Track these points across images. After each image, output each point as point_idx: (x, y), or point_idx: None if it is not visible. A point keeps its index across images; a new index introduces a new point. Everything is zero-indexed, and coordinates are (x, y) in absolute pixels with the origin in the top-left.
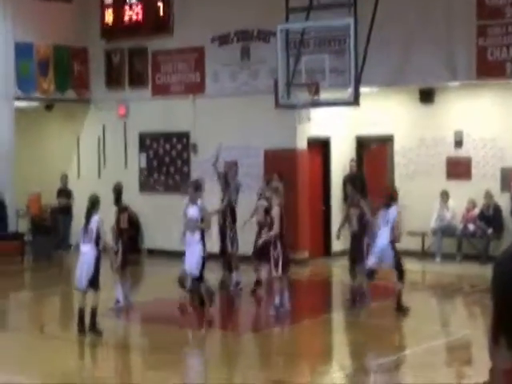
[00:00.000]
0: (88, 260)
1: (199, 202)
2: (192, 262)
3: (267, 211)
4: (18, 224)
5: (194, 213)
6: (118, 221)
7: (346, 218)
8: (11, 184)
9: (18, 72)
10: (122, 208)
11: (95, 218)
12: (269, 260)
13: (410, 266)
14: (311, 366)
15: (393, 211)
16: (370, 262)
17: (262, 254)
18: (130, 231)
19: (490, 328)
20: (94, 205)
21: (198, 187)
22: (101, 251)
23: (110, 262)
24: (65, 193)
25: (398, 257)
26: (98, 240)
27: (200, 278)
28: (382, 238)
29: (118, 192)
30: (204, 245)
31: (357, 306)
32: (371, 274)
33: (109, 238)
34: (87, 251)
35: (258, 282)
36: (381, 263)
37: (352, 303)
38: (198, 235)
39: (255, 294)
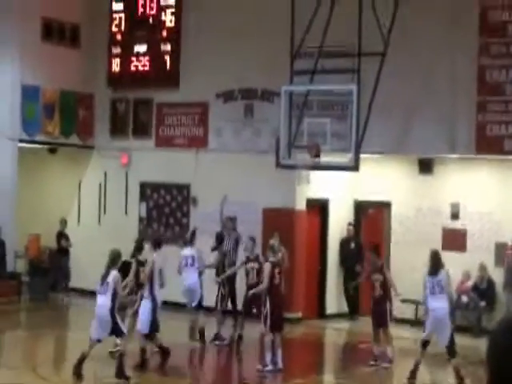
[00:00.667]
0: (104, 313)
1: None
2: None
3: (258, 273)
4: (16, 264)
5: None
6: (137, 274)
7: (366, 279)
8: (12, 224)
9: (23, 114)
10: (141, 262)
11: (113, 273)
12: (256, 316)
13: (403, 333)
14: None
15: (443, 278)
16: (425, 333)
17: (249, 309)
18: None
19: None
20: (114, 260)
21: (157, 244)
22: (115, 305)
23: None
24: (64, 236)
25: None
26: (114, 294)
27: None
28: (438, 308)
29: (139, 245)
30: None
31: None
32: (450, 350)
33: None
34: (103, 303)
35: (240, 337)
36: (436, 335)
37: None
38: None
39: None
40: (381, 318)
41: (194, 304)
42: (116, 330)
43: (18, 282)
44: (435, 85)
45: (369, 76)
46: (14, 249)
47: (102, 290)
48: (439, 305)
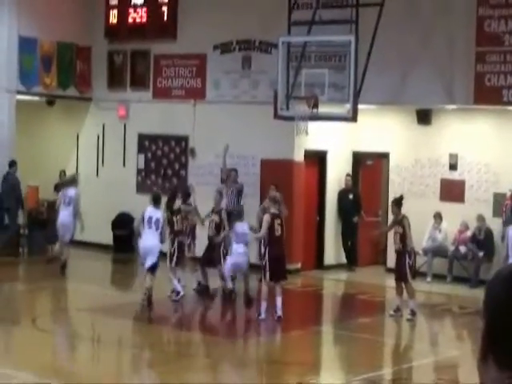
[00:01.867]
0: (154, 247)
1: None
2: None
3: (217, 226)
4: None
5: None
6: (171, 222)
7: (390, 229)
8: None
9: (21, 66)
10: (176, 210)
11: (159, 214)
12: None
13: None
14: (295, 377)
15: None
16: None
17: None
18: (183, 233)
19: (479, 347)
20: (156, 201)
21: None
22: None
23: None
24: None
25: None
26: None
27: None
28: None
29: (172, 194)
30: None
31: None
32: None
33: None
34: (152, 240)
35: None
36: None
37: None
38: None
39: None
40: (400, 272)
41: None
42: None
43: (16, 235)
44: (433, 35)
45: (367, 27)
46: None
47: (150, 228)
48: None
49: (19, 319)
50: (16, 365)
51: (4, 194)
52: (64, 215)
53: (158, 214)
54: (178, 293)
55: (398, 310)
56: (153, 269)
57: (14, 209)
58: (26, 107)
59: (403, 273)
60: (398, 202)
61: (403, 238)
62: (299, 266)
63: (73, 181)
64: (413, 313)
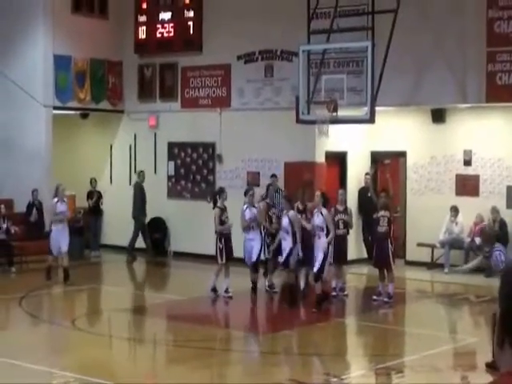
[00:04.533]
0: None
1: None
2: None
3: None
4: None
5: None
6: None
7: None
8: (48, 186)
9: (56, 83)
10: (222, 208)
11: (255, 211)
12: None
13: (420, 275)
14: (322, 366)
15: None
16: None
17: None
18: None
19: (496, 333)
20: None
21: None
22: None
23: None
24: (93, 194)
25: None
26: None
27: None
28: None
29: (216, 193)
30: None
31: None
32: None
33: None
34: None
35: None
36: None
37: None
38: None
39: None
40: (385, 258)
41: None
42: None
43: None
44: (446, 38)
45: (382, 32)
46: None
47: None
48: None
49: (60, 320)
50: (58, 364)
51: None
52: None
53: (254, 210)
54: (215, 290)
55: (383, 294)
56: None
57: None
58: (61, 121)
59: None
60: (386, 190)
61: (390, 222)
62: None
63: None
64: (390, 297)
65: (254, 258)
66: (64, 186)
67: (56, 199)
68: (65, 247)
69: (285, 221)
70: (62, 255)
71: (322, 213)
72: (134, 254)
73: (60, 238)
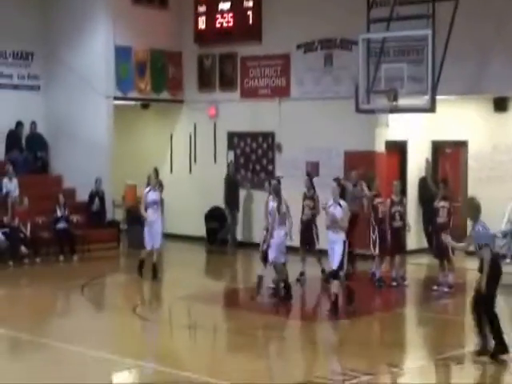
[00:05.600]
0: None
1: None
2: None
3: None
4: (115, 213)
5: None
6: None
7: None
8: (110, 176)
9: (117, 73)
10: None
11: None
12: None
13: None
14: (383, 357)
15: None
16: None
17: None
18: None
19: None
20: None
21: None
22: None
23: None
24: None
25: None
26: None
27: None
28: None
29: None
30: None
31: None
32: None
33: None
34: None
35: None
36: None
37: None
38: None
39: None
40: (445, 248)
41: None
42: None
43: (117, 230)
44: (508, 25)
45: (443, 20)
46: (113, 199)
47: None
48: None
49: (121, 308)
50: (120, 350)
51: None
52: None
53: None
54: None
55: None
56: None
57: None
58: (122, 111)
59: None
60: (445, 180)
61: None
62: None
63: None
64: (451, 287)
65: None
66: (155, 174)
67: (148, 188)
68: (158, 243)
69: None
70: (154, 250)
71: (340, 204)
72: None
73: (153, 233)
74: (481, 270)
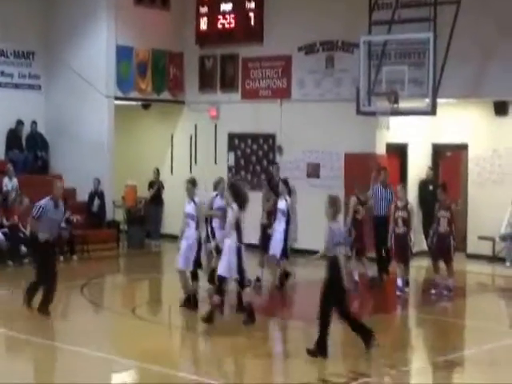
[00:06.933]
0: None
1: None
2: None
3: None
4: (115, 213)
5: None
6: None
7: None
8: (110, 176)
9: (118, 73)
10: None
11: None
12: None
13: (481, 269)
14: (382, 359)
15: None
16: None
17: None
18: None
19: None
20: None
21: (194, 183)
22: None
23: None
24: (155, 184)
25: None
26: None
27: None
28: None
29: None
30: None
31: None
32: None
33: None
34: None
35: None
36: None
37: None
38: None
39: None
40: (447, 254)
41: None
42: None
43: (116, 230)
44: (510, 28)
45: (444, 23)
46: (113, 199)
47: None
48: None
49: (120, 308)
50: (119, 351)
51: None
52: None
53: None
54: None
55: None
56: None
57: None
58: (123, 111)
59: (449, 255)
60: (444, 187)
61: (450, 222)
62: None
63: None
64: (451, 290)
65: None
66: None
67: (215, 193)
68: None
69: None
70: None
71: (286, 199)
72: None
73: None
74: None
